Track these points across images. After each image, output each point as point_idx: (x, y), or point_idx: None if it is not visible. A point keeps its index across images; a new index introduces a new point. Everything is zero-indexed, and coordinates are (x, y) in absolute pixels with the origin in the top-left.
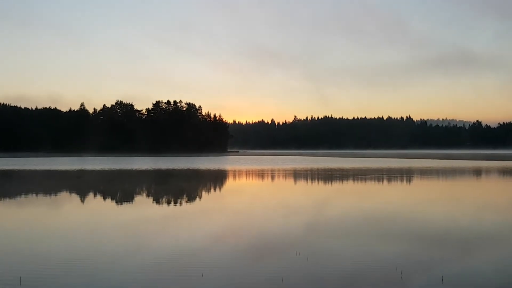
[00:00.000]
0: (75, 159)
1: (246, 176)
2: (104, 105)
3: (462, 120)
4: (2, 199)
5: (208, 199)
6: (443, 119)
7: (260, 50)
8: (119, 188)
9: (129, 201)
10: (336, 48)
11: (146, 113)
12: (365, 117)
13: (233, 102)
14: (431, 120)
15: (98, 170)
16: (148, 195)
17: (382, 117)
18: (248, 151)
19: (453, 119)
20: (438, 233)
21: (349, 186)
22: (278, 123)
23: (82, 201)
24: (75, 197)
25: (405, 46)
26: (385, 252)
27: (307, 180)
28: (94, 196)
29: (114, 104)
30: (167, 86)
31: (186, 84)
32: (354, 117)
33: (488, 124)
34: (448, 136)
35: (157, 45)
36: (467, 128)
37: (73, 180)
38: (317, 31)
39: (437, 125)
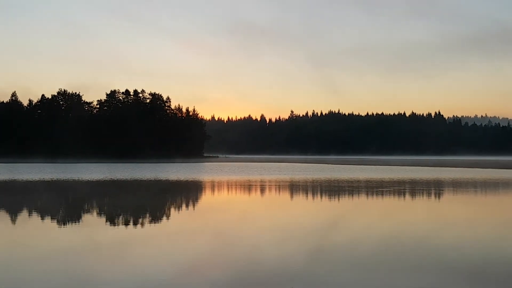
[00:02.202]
0: (3, 166)
1: (229, 189)
2: (43, 95)
3: (507, 118)
4: None
5: (180, 219)
6: (482, 116)
7: (247, 27)
8: (61, 205)
9: (74, 221)
10: (347, 24)
11: (98, 105)
12: (382, 113)
13: (212, 93)
14: (467, 117)
15: (32, 181)
16: (100, 214)
17: (404, 113)
18: (231, 156)
19: (494, 116)
20: (477, 264)
21: (362, 204)
22: (270, 120)
23: (12, 221)
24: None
25: (434, 22)
26: None
27: (307, 195)
28: (29, 215)
29: (56, 94)
30: (125, 71)
31: (150, 70)
32: (368, 113)
33: None
34: (488, 138)
35: (112, 19)
36: None
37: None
38: (322, 2)
39: (474, 124)
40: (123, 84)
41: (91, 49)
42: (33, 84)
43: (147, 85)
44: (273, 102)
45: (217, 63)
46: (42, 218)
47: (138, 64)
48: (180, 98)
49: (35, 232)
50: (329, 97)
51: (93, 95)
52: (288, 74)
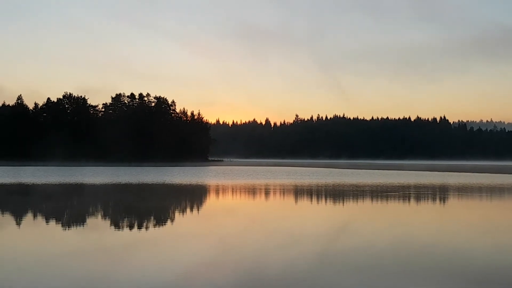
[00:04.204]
0: (9, 169)
1: (233, 194)
2: (48, 98)
3: None
4: None
5: (184, 223)
6: (487, 121)
7: (254, 30)
8: (63, 208)
9: (78, 224)
10: (352, 27)
11: (103, 109)
12: (388, 118)
13: (219, 97)
14: (473, 122)
15: (39, 184)
16: (104, 217)
17: (409, 118)
18: (235, 160)
19: (500, 121)
20: (483, 270)
21: (368, 208)
22: (275, 124)
23: (10, 224)
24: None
25: (439, 25)
26: None
27: (313, 199)
28: (34, 218)
29: (61, 97)
30: (132, 76)
31: (157, 74)
32: (375, 117)
33: None
34: (494, 143)
35: (121, 24)
36: None
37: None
38: (328, 6)
39: (479, 129)
40: (131, 88)
41: (99, 54)
42: (42, 87)
43: (154, 89)
44: (281, 106)
45: (224, 66)
46: (47, 222)
47: (145, 68)
48: (187, 102)
49: (42, 234)
50: (336, 100)
51: (102, 99)
52: (295, 77)
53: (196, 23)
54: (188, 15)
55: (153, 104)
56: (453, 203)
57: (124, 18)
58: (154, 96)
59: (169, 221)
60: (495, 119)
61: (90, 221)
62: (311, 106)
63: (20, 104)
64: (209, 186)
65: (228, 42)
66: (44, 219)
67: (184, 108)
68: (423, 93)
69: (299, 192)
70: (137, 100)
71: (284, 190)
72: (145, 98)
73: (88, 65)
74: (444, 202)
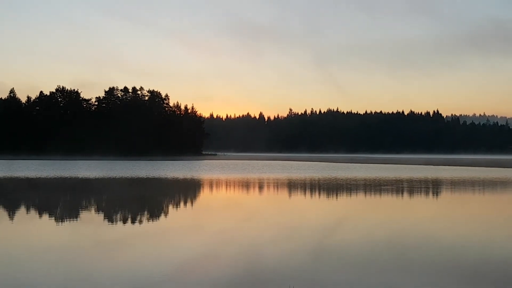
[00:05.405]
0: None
1: (228, 188)
2: (41, 92)
3: (505, 117)
4: None
5: (178, 218)
6: (480, 115)
7: (249, 26)
8: (54, 202)
9: (72, 219)
10: (347, 22)
11: (96, 103)
12: (381, 112)
13: (215, 92)
14: (466, 116)
15: (34, 178)
16: (97, 211)
17: (403, 112)
18: (229, 154)
19: (493, 115)
20: (478, 264)
21: (362, 202)
22: (269, 118)
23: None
24: None
25: (434, 20)
26: None
27: (308, 193)
28: (27, 212)
29: (54, 91)
30: (127, 71)
31: (152, 70)
32: (366, 111)
33: None
34: (487, 137)
35: (113, 18)
36: (511, 127)
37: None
38: (323, 0)
39: (472, 123)
40: (126, 83)
41: (95, 49)
42: (37, 82)
43: (149, 85)
44: (276, 101)
45: (219, 62)
46: (40, 216)
47: (141, 63)
48: (183, 98)
49: (35, 228)
50: (330, 95)
51: (93, 92)
52: (290, 72)
53: (191, 18)
54: (183, 11)
55: (146, 98)
56: (448, 197)
57: (119, 14)
58: (147, 90)
59: (163, 215)
60: (488, 113)
61: (83, 215)
62: (305, 100)
63: (12, 97)
64: (203, 180)
65: (223, 37)
66: (37, 213)
67: (177, 102)
68: (417, 87)
69: (295, 186)
70: (130, 93)
71: (279, 184)
72: (139, 92)
73: (84, 60)
74: (439, 196)
